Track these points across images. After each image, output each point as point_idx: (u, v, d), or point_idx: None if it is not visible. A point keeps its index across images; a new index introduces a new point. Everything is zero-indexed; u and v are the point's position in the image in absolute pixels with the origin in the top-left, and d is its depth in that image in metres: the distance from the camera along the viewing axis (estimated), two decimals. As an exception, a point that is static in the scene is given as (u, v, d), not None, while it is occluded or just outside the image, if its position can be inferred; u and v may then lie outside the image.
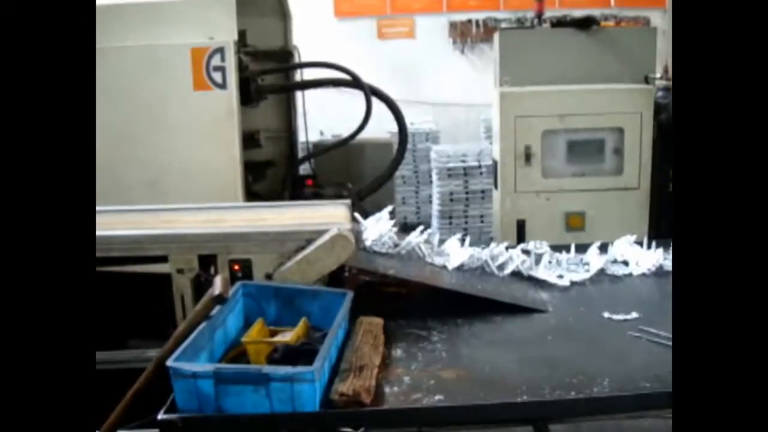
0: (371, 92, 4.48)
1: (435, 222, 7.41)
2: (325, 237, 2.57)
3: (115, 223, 2.95)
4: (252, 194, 4.87)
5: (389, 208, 3.05)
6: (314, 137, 6.97)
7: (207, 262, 2.70)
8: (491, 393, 2.05)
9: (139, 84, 3.85)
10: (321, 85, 4.72)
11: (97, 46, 3.83)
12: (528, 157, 4.33)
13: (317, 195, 4.60)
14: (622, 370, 2.13)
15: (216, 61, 3.75)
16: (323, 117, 6.81)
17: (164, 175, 3.92)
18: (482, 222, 7.15)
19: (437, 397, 2.02)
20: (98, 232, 2.76)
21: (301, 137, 5.91)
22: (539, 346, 2.38)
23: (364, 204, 4.82)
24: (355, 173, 5.20)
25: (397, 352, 2.35)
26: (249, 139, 4.76)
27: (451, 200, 7.22)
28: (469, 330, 2.53)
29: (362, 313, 2.57)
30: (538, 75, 4.38)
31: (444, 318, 2.61)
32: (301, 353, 2.13)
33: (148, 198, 3.80)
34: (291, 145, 5.31)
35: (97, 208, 3.25)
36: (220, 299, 2.19)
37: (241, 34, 4.48)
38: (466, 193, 7.19)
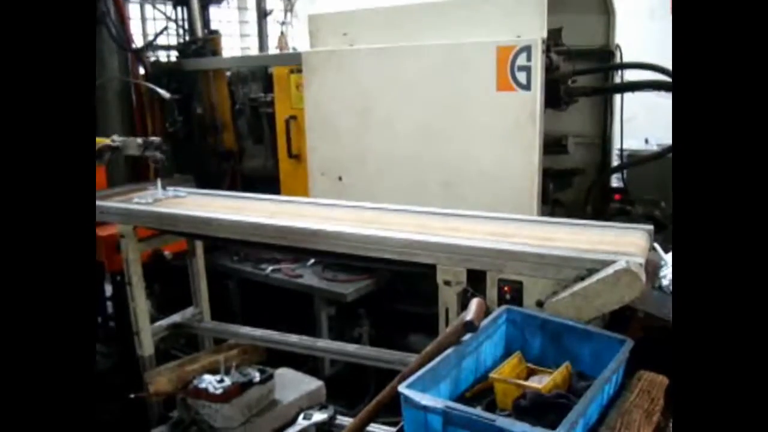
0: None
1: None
2: (609, 270, 2.18)
3: (399, 223, 2.91)
4: (555, 203, 4.55)
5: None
6: (638, 145, 6.34)
7: (477, 277, 2.50)
8: None
9: (443, 83, 3.76)
10: (636, 89, 4.20)
11: (404, 44, 3.92)
12: None
13: (623, 212, 4.10)
14: None
15: (521, 60, 3.49)
16: (652, 124, 6.14)
17: (459, 177, 3.80)
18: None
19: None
20: (375, 232, 2.74)
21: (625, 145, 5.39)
22: None
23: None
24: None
25: (679, 427, 1.88)
26: (555, 145, 4.44)
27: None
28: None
29: (645, 366, 2.14)
30: None
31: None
32: (552, 407, 1.81)
33: (441, 199, 3.74)
34: (604, 153, 4.84)
35: (393, 206, 3.30)
36: (471, 327, 1.96)
37: (556, 32, 4.17)
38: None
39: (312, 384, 3.55)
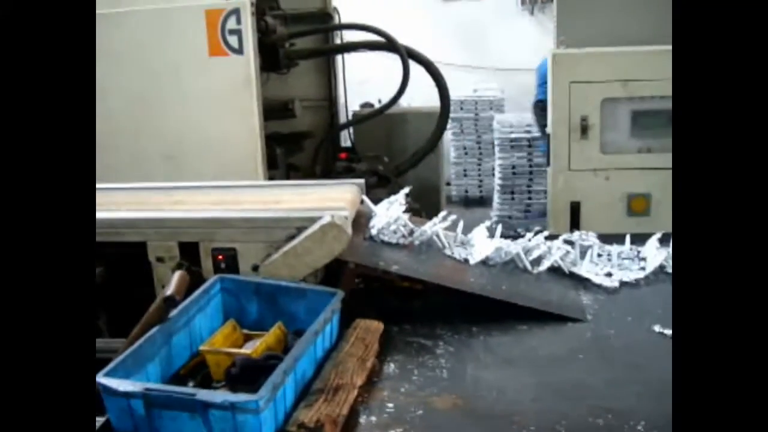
0: (408, 55, 4.03)
1: (496, 196, 6.93)
2: (315, 226, 2.20)
3: (116, 203, 2.69)
4: (289, 167, 4.55)
5: (405, 190, 2.64)
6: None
7: (191, 250, 2.38)
8: (487, 434, 1.65)
9: (152, 50, 3.56)
10: (353, 49, 4.33)
11: (108, 11, 3.61)
12: (584, 129, 3.75)
13: (349, 169, 4.23)
14: (667, 409, 1.34)
15: (232, 24, 3.40)
16: (385, 85, 6.41)
17: (181, 148, 3.64)
18: (546, 198, 6.61)
19: (418, 436, 1.63)
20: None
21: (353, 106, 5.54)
22: (565, 368, 1.94)
23: (406, 180, 4.43)
24: (398, 146, 4.78)
25: (390, 368, 1.97)
26: (283, 109, 4.42)
27: (514, 174, 6.71)
28: (483, 342, 2.11)
29: (366, 314, 2.19)
30: (599, 34, 3.77)
31: (457, 324, 2.20)
32: (264, 370, 1.77)
33: (165, 172, 3.54)
34: (332, 115, 4.94)
35: (108, 185, 3.04)
36: (172, 302, 1.86)
37: (273, -5, 4.12)
38: (530, 166, 6.66)
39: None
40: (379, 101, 7.13)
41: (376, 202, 2.65)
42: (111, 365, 1.71)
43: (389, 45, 4.05)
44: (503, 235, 2.68)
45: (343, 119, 5.12)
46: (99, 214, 2.48)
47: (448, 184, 7.63)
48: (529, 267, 2.50)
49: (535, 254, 2.55)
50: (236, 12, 3.39)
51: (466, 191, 7.95)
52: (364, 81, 6.74)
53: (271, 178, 3.84)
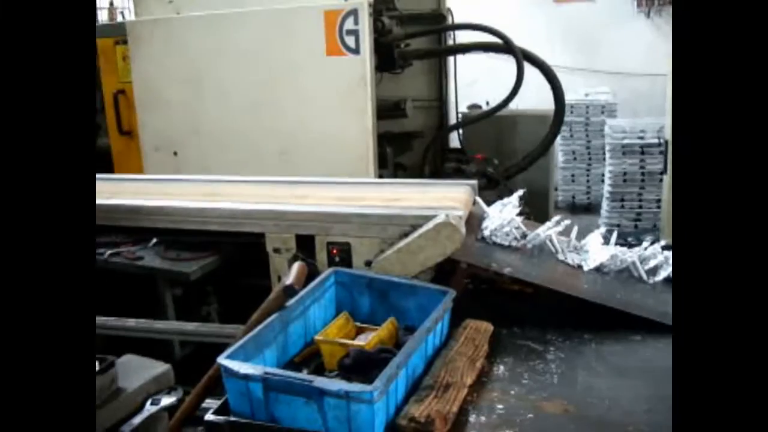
0: (524, 57, 3.98)
1: (605, 204, 6.73)
2: (429, 224, 2.22)
3: (245, 195, 2.84)
4: (397, 166, 4.61)
5: (519, 192, 2.62)
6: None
7: (306, 242, 2.47)
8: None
9: (272, 50, 3.69)
10: (468, 50, 4.31)
11: (231, 11, 3.79)
12: (706, 136, 3.59)
13: (459, 170, 4.22)
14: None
15: (349, 24, 3.48)
16: (494, 86, 6.37)
17: (295, 145, 3.75)
18: (659, 207, 6.35)
19: (529, 439, 1.63)
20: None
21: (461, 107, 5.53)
22: (682, 381, 1.87)
23: (515, 183, 4.38)
24: (508, 148, 4.74)
25: (500, 369, 1.96)
26: (394, 109, 4.47)
27: (624, 181, 6.50)
28: (596, 350, 2.06)
29: (474, 314, 2.20)
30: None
31: (568, 330, 2.17)
32: (376, 362, 1.81)
33: (280, 168, 3.67)
34: (441, 116, 4.95)
35: (233, 177, 3.20)
36: (291, 291, 1.93)
37: (389, -4, 4.18)
38: (642, 173, 6.43)
39: (158, 368, 3.38)
40: (487, 103, 7.09)
41: (485, 203, 2.64)
42: (232, 348, 1.80)
43: (505, 46, 4.02)
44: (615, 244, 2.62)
45: (452, 120, 5.11)
46: (221, 205, 2.63)
47: (555, 189, 7.47)
48: (644, 276, 2.43)
49: (651, 264, 2.47)
50: (354, 12, 3.46)
51: (573, 197, 7.76)
52: (471, 82, 6.71)
53: (379, 176, 3.90)
